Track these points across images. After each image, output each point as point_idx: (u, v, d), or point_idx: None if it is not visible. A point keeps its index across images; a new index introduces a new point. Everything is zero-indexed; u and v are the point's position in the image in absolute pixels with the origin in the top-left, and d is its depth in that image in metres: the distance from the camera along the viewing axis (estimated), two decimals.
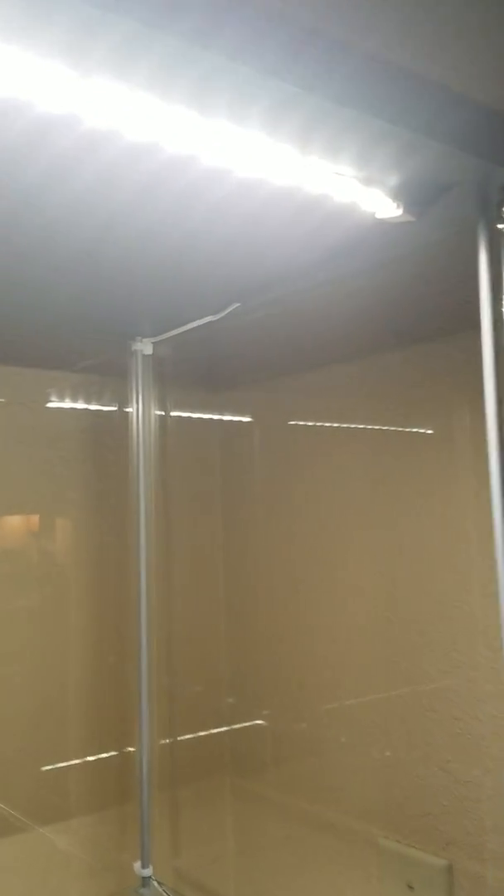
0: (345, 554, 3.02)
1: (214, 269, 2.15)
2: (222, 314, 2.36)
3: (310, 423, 3.20)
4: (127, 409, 2.93)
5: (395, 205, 1.59)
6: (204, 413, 3.48)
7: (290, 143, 1.40)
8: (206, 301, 2.39)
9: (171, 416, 3.32)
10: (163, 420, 3.24)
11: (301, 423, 3.25)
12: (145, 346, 2.69)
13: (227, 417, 3.52)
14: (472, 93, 1.39)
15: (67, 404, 3.10)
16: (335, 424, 3.09)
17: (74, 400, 3.12)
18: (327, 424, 3.13)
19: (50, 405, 3.07)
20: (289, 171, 1.47)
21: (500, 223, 1.62)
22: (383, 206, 1.60)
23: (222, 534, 3.50)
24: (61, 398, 3.09)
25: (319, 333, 2.55)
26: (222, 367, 3.14)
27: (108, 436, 3.15)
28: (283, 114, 1.35)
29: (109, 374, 3.08)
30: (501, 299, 1.72)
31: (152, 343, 2.69)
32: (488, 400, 1.57)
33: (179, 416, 3.40)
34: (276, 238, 1.78)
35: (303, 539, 3.18)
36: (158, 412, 3.16)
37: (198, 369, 3.14)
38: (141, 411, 2.82)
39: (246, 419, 3.50)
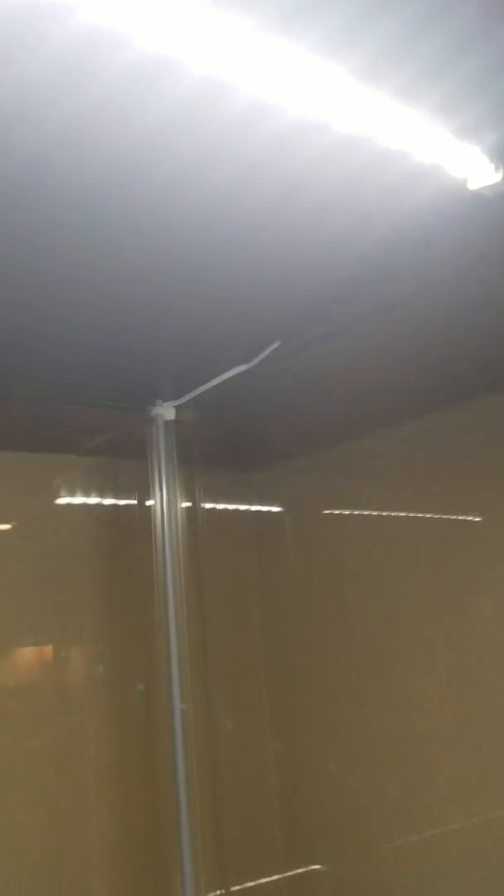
0: (411, 657, 2.51)
1: (250, 302, 1.78)
2: (258, 359, 1.97)
3: (357, 510, 2.77)
4: (148, 502, 2.45)
5: (493, 166, 1.22)
6: (234, 499, 3.02)
7: (358, 74, 1.05)
8: (239, 346, 2.01)
9: (200, 507, 2.85)
10: (191, 512, 2.77)
11: (346, 510, 2.82)
12: (166, 411, 2.28)
13: (262, 507, 3.07)
14: None
15: (79, 498, 2.66)
16: (392, 513, 2.66)
17: (87, 491, 2.68)
18: (382, 513, 2.69)
19: (59, 500, 2.63)
20: (356, 115, 1.11)
21: None
22: (478, 169, 1.23)
23: (263, 644, 2.98)
24: (71, 489, 2.66)
25: (372, 379, 2.14)
26: (254, 437, 2.72)
27: (128, 533, 2.69)
28: (349, 31, 1.00)
29: (127, 455, 2.65)
30: None
31: (175, 406, 2.28)
32: None
33: (209, 506, 2.95)
34: (333, 222, 1.37)
35: (359, 644, 2.67)
36: (185, 503, 2.69)
37: (226, 442, 2.72)
38: (165, 501, 2.33)
39: (282, 507, 3.05)
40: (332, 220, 1.32)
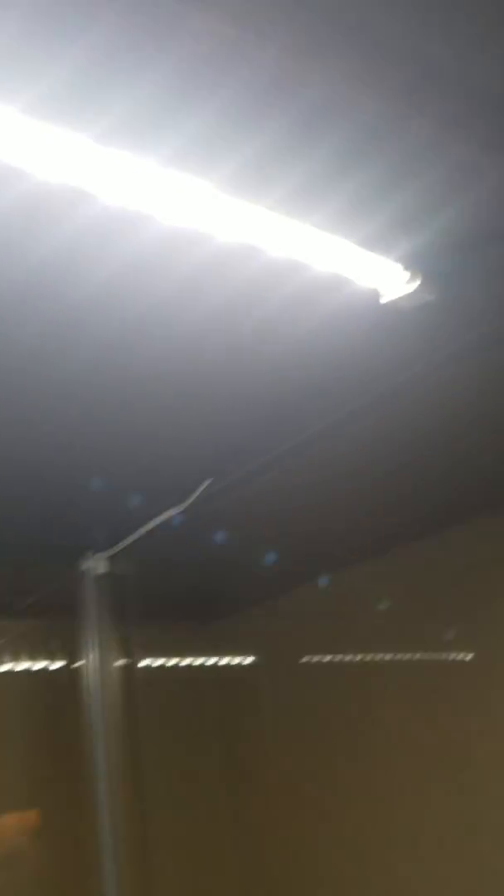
0: (407, 822, 2.19)
1: (177, 441, 1.64)
2: (191, 499, 1.80)
3: (338, 656, 2.50)
4: (77, 664, 2.17)
5: (407, 275, 1.11)
6: (189, 656, 2.72)
7: (231, 188, 0.95)
8: (172, 488, 1.85)
9: (139, 667, 2.54)
10: (127, 672, 2.47)
11: (323, 657, 2.55)
12: (98, 564, 2.07)
13: (225, 660, 2.78)
14: None
15: (6, 666, 2.38)
16: (378, 656, 2.40)
17: (15, 658, 2.40)
18: (367, 657, 2.43)
19: None
20: (239, 227, 1.00)
21: None
22: (391, 280, 1.12)
23: (232, 823, 2.60)
24: None
25: (322, 512, 1.97)
26: (207, 585, 2.50)
27: (60, 705, 2.37)
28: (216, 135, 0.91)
29: (59, 616, 2.40)
30: None
31: (107, 558, 2.08)
32: None
33: (155, 665, 2.64)
34: (232, 337, 1.25)
35: (348, 814, 2.33)
36: (122, 661, 2.40)
37: (174, 592, 2.49)
38: (97, 665, 2.05)
39: (250, 659, 2.75)
40: (231, 336, 1.20)
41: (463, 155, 0.99)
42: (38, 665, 2.46)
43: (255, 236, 1.01)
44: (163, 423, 1.61)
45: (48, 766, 2.33)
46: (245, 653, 2.78)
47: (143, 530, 1.95)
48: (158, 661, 2.65)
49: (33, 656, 2.45)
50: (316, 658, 2.66)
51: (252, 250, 1.01)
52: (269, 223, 1.00)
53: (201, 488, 1.78)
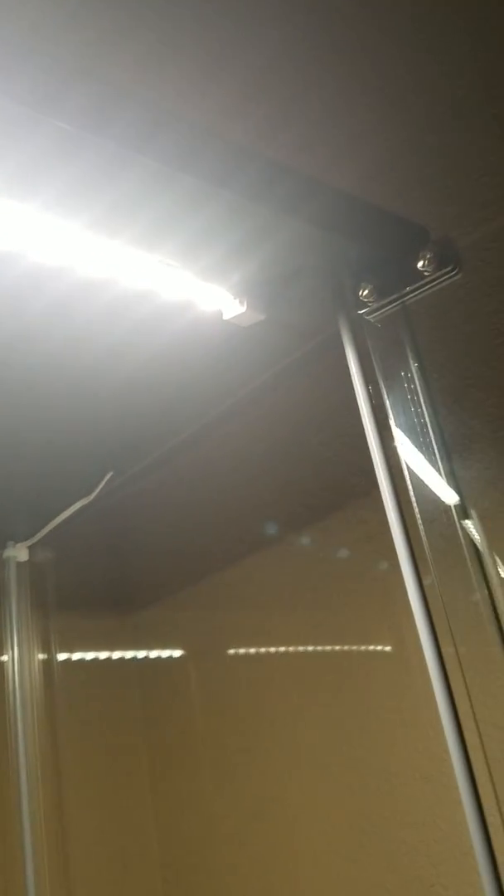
0: (312, 818, 2.58)
1: (84, 433, 2.07)
2: (95, 492, 2.24)
3: (261, 648, 2.87)
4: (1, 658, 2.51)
5: (237, 301, 1.57)
6: (113, 648, 3.11)
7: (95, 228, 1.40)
8: (83, 479, 2.29)
9: (59, 659, 2.85)
10: (47, 665, 2.81)
11: (246, 649, 2.92)
12: (19, 552, 2.50)
13: (147, 652, 3.17)
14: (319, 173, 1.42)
15: None
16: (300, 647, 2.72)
17: None
18: (289, 648, 2.76)
19: None
20: (98, 262, 1.45)
21: (362, 308, 1.59)
22: (227, 303, 1.58)
23: (154, 824, 2.96)
24: None
25: (225, 497, 2.41)
26: (129, 571, 2.92)
27: None
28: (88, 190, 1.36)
29: None
30: (383, 400, 1.64)
31: (27, 547, 2.50)
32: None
33: (78, 658, 3.01)
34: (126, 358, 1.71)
35: (259, 802, 2.73)
36: (41, 655, 2.75)
37: (98, 579, 2.92)
38: (17, 658, 2.45)
39: (175, 652, 3.15)
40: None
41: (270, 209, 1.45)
42: None
43: (112, 270, 1.46)
44: (71, 420, 2.03)
45: None
46: (165, 644, 3.14)
47: (57, 520, 2.38)
48: (79, 654, 3.00)
49: None
50: (237, 649, 2.98)
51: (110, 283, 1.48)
52: (126, 258, 1.46)
53: (104, 480, 2.22)
